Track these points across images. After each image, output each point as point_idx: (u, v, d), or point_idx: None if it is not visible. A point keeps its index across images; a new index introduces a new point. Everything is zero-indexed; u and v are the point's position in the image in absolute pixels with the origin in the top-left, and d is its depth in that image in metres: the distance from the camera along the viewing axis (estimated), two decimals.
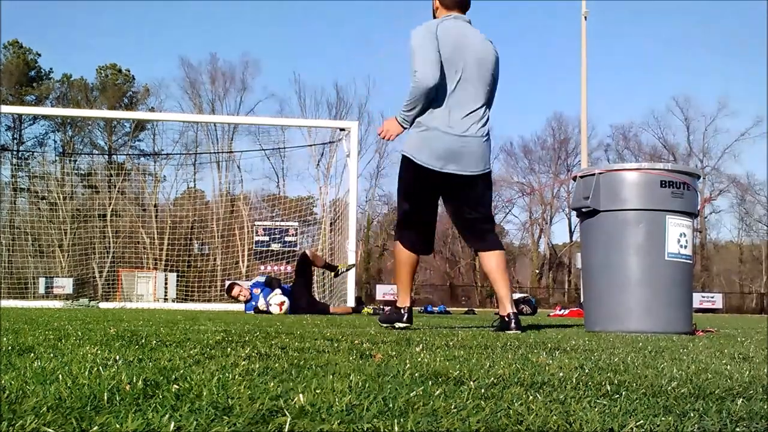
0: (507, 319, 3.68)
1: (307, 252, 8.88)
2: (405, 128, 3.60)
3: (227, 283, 9.89)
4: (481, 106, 3.59)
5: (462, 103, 3.50)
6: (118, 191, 31.85)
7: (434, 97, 3.48)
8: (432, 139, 3.50)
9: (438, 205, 3.82)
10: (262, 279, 8.86)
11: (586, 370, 1.52)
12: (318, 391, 1.08)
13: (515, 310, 3.74)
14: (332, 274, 9.38)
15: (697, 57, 64.50)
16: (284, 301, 8.15)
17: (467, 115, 3.52)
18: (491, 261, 3.74)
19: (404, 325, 3.71)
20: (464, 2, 3.71)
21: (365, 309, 9.16)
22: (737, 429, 0.92)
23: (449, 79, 3.47)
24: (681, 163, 40.55)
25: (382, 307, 11.30)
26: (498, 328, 3.72)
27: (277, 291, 8.33)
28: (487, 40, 3.67)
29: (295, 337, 2.55)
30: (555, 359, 1.79)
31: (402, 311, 3.75)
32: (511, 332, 3.58)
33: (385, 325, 3.76)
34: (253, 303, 8.51)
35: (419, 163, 3.54)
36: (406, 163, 3.62)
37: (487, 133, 3.64)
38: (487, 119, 3.64)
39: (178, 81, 43.62)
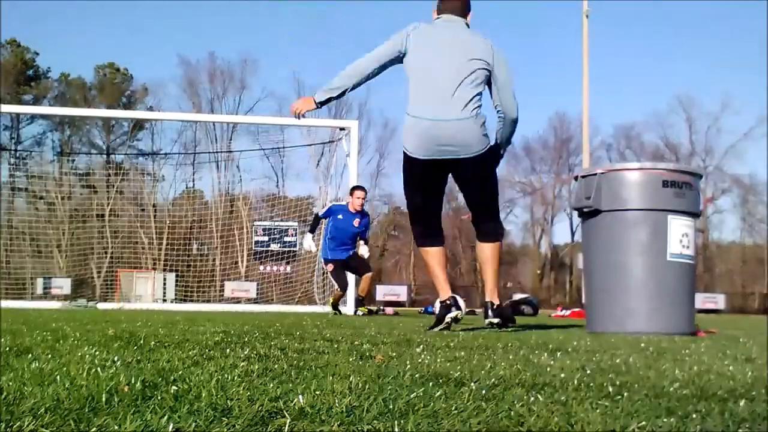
0: (485, 309, 3.81)
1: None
2: (317, 105, 3.75)
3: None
4: (465, 92, 3.57)
5: (439, 93, 3.57)
6: (116, 191, 31.85)
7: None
8: (414, 127, 3.59)
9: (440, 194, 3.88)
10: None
11: (588, 372, 1.51)
12: (318, 393, 1.08)
13: (496, 300, 3.80)
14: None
15: (700, 56, 64.60)
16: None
17: (446, 102, 3.56)
18: (481, 251, 3.89)
19: (455, 313, 3.55)
20: (451, 5, 3.77)
21: (361, 308, 9.06)
22: (740, 431, 0.91)
23: (424, 73, 3.61)
24: (683, 162, 40.60)
25: (381, 307, 11.28)
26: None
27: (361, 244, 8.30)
28: (478, 37, 3.71)
29: (295, 338, 2.55)
30: (557, 360, 1.78)
31: (447, 302, 3.60)
32: (486, 321, 3.74)
33: (438, 328, 3.56)
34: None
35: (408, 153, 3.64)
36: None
37: (476, 115, 3.61)
38: (476, 103, 3.61)
39: (177, 80, 43.67)
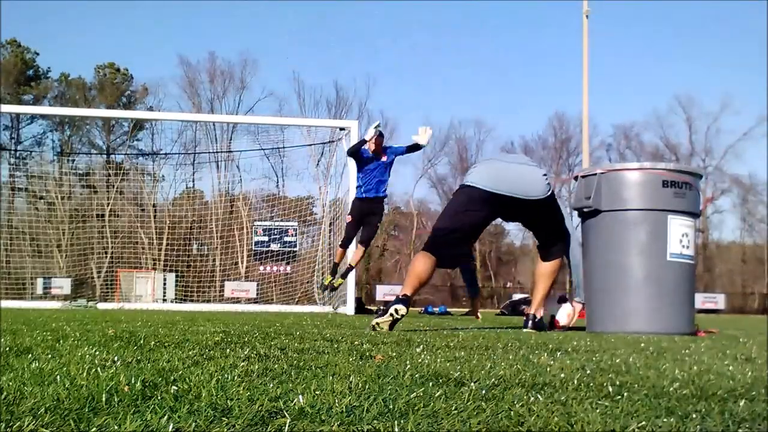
0: (526, 318, 4.25)
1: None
2: None
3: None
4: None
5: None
6: (116, 191, 31.84)
7: None
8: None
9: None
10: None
11: (588, 372, 1.51)
12: (318, 393, 1.08)
13: (538, 314, 4.21)
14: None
15: (700, 56, 64.53)
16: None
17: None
18: (539, 267, 4.31)
19: (401, 307, 3.66)
20: None
21: (340, 280, 8.86)
22: (739, 430, 0.91)
23: None
24: (683, 162, 40.58)
25: (381, 307, 11.26)
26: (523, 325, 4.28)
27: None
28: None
29: (295, 338, 2.55)
30: (556, 360, 1.78)
31: (401, 296, 3.75)
32: (524, 330, 4.05)
33: (383, 318, 3.67)
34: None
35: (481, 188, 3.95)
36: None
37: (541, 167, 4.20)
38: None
39: (177, 80, 43.61)
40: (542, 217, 4.06)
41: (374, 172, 8.19)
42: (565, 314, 6.73)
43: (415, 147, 8.39)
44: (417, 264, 3.93)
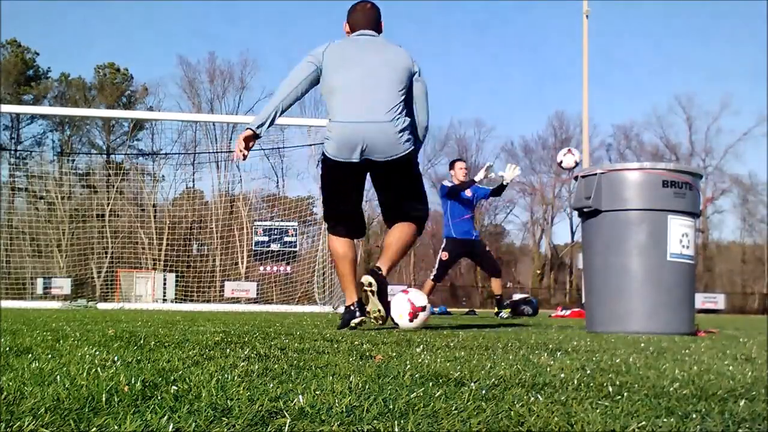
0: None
1: None
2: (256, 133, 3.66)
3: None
4: (387, 98, 3.58)
5: (360, 100, 3.58)
6: (116, 191, 31.83)
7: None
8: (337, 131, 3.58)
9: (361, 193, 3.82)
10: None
11: (588, 372, 1.51)
12: (318, 393, 1.08)
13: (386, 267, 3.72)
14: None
15: (700, 56, 64.54)
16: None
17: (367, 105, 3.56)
18: (393, 231, 3.77)
19: (359, 319, 3.60)
20: (367, 20, 3.79)
21: (505, 310, 8.32)
22: (739, 430, 0.91)
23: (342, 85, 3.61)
24: (683, 162, 40.59)
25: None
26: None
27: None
28: (397, 48, 3.73)
29: (295, 338, 2.55)
30: (556, 360, 1.78)
31: (352, 307, 3.63)
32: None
33: (342, 329, 3.59)
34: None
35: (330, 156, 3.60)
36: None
37: (397, 120, 3.58)
38: (398, 109, 3.58)
39: (177, 80, 43.64)
40: (395, 177, 3.66)
41: (461, 204, 8.01)
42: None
43: (500, 189, 8.23)
44: (342, 256, 3.70)
